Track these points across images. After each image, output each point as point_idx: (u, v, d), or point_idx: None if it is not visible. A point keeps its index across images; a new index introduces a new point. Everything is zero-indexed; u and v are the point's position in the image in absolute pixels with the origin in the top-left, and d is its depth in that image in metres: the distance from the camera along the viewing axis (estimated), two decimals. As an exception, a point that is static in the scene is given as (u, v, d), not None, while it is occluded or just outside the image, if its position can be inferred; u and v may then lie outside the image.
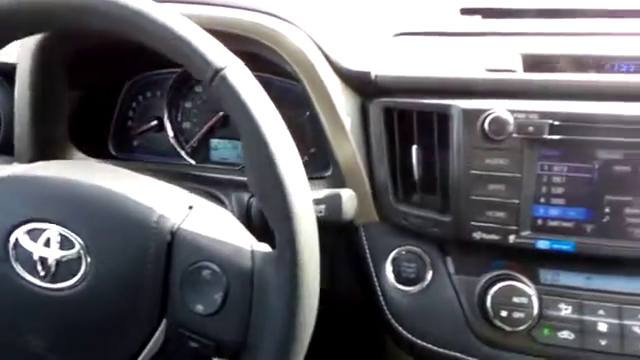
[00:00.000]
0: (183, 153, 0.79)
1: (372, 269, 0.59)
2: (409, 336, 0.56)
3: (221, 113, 0.76)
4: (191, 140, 0.79)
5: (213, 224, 0.45)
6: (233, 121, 0.41)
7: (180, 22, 0.42)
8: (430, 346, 0.55)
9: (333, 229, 0.63)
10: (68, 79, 0.68)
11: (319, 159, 0.70)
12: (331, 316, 1.10)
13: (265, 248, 0.43)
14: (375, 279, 0.58)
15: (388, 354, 0.72)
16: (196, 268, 0.42)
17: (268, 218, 0.41)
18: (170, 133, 0.79)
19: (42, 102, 0.67)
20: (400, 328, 0.56)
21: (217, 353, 0.43)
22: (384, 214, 0.60)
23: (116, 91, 0.81)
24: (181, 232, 0.43)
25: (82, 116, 0.76)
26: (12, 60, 0.68)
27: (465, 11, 0.69)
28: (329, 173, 0.63)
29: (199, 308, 0.41)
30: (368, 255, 0.60)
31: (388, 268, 0.58)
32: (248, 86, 0.40)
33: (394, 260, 0.58)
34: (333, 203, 0.49)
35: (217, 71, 0.39)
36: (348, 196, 0.49)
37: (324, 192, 0.50)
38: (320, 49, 0.57)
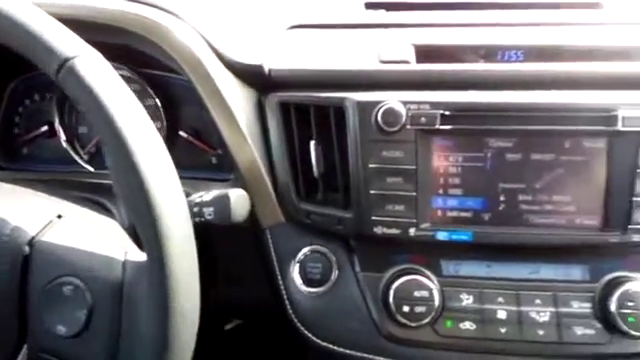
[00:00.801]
0: (79, 160, 0.73)
1: (277, 271, 0.56)
2: (315, 339, 0.53)
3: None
4: (88, 145, 0.73)
5: (82, 234, 0.41)
6: (87, 118, 0.37)
7: (24, 10, 0.37)
8: (336, 348, 0.53)
9: (241, 232, 0.60)
10: None
11: (227, 160, 0.67)
12: (252, 329, 1.08)
13: (141, 257, 0.39)
14: (280, 281, 0.56)
15: None
16: (56, 284, 0.37)
17: (135, 224, 0.37)
18: (63, 138, 0.72)
19: None
20: (306, 331, 0.54)
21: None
22: (289, 214, 0.57)
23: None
24: (40, 244, 0.38)
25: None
26: None
27: (369, 5, 0.68)
28: (233, 175, 0.60)
29: (60, 329, 0.37)
30: (274, 257, 0.57)
31: (294, 269, 0.56)
32: (100, 77, 0.36)
33: (300, 261, 0.56)
34: (221, 204, 0.46)
35: (64, 61, 0.35)
36: (237, 196, 0.46)
37: (212, 194, 0.47)
38: (208, 43, 0.54)
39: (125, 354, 0.37)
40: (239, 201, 0.46)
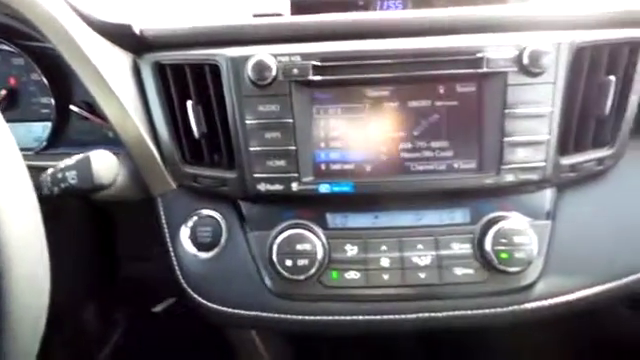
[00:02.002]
0: None
1: (168, 238, 0.55)
2: (204, 302, 0.53)
3: (3, 91, 0.67)
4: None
5: None
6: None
7: None
8: (225, 309, 0.52)
9: (139, 207, 0.58)
10: None
11: None
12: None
13: None
14: (171, 247, 0.55)
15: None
16: None
17: None
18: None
19: None
20: (195, 295, 0.53)
21: None
22: (177, 179, 0.56)
23: None
24: None
25: None
26: None
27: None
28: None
29: None
30: (164, 224, 0.56)
31: (184, 235, 0.55)
32: None
33: (190, 226, 0.55)
34: (83, 167, 0.44)
35: None
36: (98, 158, 0.45)
37: (75, 158, 0.45)
38: (70, 5, 0.51)
39: None
40: (101, 162, 0.45)
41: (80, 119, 0.68)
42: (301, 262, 0.50)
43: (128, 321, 1.24)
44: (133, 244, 0.66)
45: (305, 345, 0.71)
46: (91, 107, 0.68)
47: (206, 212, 0.55)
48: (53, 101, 0.67)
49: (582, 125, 0.53)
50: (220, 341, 0.95)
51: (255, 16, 0.52)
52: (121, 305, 1.01)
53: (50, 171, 0.46)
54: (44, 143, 0.69)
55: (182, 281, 0.53)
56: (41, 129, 0.71)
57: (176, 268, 0.54)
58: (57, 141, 0.68)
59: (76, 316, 0.90)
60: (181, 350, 1.14)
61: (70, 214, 0.59)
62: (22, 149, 0.69)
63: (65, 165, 0.45)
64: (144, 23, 0.52)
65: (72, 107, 0.66)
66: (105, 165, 0.45)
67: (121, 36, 0.52)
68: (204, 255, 0.54)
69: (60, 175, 0.45)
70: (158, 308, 1.03)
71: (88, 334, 1.28)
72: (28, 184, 0.36)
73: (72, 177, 0.44)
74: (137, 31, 0.52)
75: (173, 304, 1.04)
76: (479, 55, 0.49)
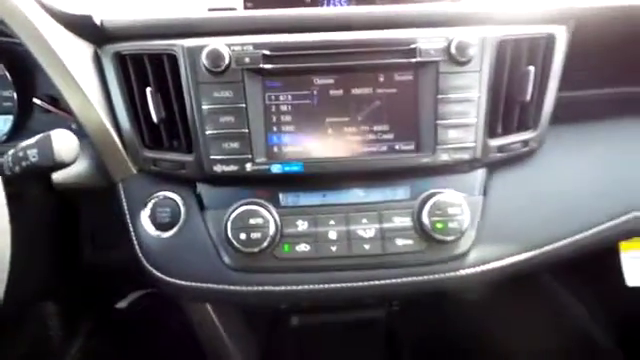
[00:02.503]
0: None
1: (129, 220, 0.58)
2: (166, 278, 0.56)
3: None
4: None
5: None
6: None
7: None
8: (184, 283, 0.55)
9: (101, 195, 0.61)
10: None
11: None
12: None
13: None
14: (132, 229, 0.57)
15: None
16: None
17: None
18: None
19: None
20: (155, 271, 0.56)
21: None
22: (138, 164, 0.59)
23: None
24: None
25: None
26: None
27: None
28: None
29: None
30: (125, 207, 0.58)
31: (144, 216, 0.58)
32: None
33: (150, 208, 0.58)
34: (44, 145, 0.47)
35: None
36: (58, 136, 0.47)
37: (36, 137, 0.48)
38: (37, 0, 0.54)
39: None
40: (61, 140, 0.47)
41: (43, 112, 0.70)
42: (254, 235, 0.53)
43: (92, 324, 1.24)
44: (96, 233, 0.67)
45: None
46: (54, 100, 0.71)
47: (165, 194, 0.58)
48: (15, 94, 0.69)
49: (507, 110, 0.59)
50: (187, 340, 0.97)
51: (210, 10, 0.56)
52: (85, 303, 1.01)
53: (11, 151, 0.48)
54: (4, 137, 0.71)
55: (142, 259, 0.56)
56: (2, 122, 0.72)
57: (136, 247, 0.57)
58: (19, 134, 0.70)
59: (37, 313, 0.89)
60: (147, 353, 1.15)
61: (33, 201, 0.61)
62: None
63: (26, 144, 0.47)
64: (105, 15, 0.56)
65: (35, 100, 0.68)
66: (66, 143, 0.48)
67: (82, 27, 0.55)
68: (163, 234, 0.57)
69: (21, 154, 0.47)
70: (122, 304, 1.04)
71: (50, 338, 1.27)
72: None
73: (33, 155, 0.47)
74: (98, 22, 0.55)
75: (137, 299, 1.06)
76: (413, 46, 0.54)
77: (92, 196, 0.64)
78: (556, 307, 1.27)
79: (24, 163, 0.47)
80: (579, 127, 0.66)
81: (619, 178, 0.63)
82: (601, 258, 0.73)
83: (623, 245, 0.69)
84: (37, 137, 0.47)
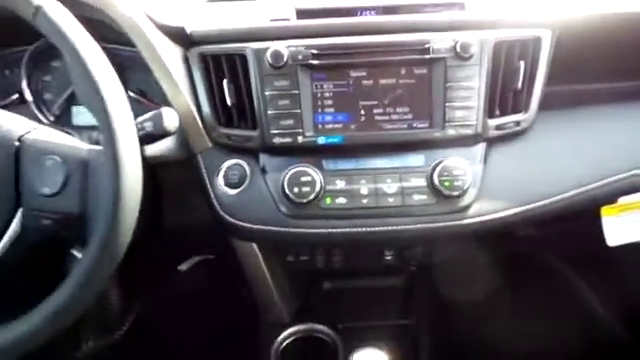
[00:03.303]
0: (46, 121, 0.89)
1: (207, 182, 0.75)
2: (237, 222, 0.73)
3: (77, 82, 0.88)
4: (52, 108, 0.90)
5: (55, 135, 0.59)
6: (57, 48, 0.55)
7: None
8: (251, 225, 0.73)
9: (181, 168, 0.78)
10: None
11: None
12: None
13: (98, 147, 0.57)
14: (210, 188, 0.75)
15: None
16: (41, 160, 0.55)
17: (98, 125, 0.56)
18: (32, 104, 0.89)
19: None
20: (229, 218, 0.73)
21: (65, 226, 0.56)
22: (213, 139, 0.76)
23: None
24: (26, 139, 0.56)
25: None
26: None
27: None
28: None
29: (45, 190, 0.55)
30: (204, 172, 0.76)
31: (219, 178, 0.75)
32: (64, 19, 0.54)
33: (223, 172, 0.75)
34: (157, 119, 0.64)
35: (37, 8, 0.54)
36: (167, 113, 0.65)
37: (150, 113, 0.65)
38: (147, 14, 0.73)
39: (92, 206, 0.55)
40: (169, 116, 0.65)
41: (136, 102, 0.89)
42: (304, 190, 0.70)
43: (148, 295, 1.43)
44: (176, 198, 0.85)
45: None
46: (143, 93, 0.90)
47: (235, 161, 0.76)
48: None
49: (503, 96, 0.75)
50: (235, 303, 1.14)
51: (271, 20, 0.73)
52: (149, 267, 1.19)
53: None
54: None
55: (219, 210, 0.73)
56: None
57: (214, 201, 0.74)
58: None
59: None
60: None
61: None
62: (93, 127, 0.90)
63: (143, 118, 0.65)
64: (192, 25, 0.74)
65: (130, 93, 0.87)
66: (171, 117, 0.65)
67: (177, 35, 0.74)
68: (234, 191, 0.74)
69: (139, 125, 0.65)
70: (184, 266, 1.23)
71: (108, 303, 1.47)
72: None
73: (149, 126, 0.64)
74: (188, 31, 0.73)
75: (196, 264, 1.24)
76: (427, 46, 0.70)
77: (173, 170, 0.82)
78: (571, 299, 1.38)
79: (141, 133, 0.65)
80: (566, 112, 0.81)
81: (598, 151, 0.77)
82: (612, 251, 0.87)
83: (604, 210, 0.82)
84: (151, 113, 0.65)
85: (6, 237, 0.56)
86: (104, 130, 0.54)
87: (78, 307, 0.58)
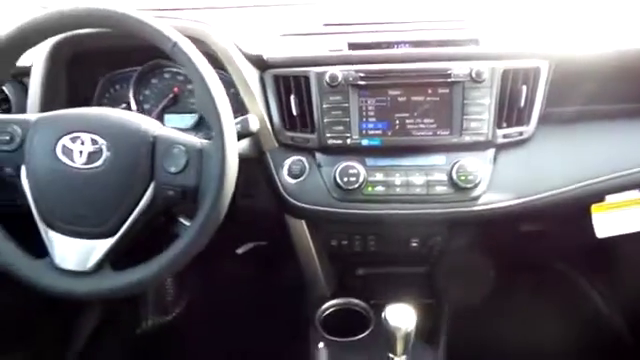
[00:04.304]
0: None
1: (275, 173, 0.97)
2: (298, 203, 0.94)
3: (171, 95, 1.13)
4: (151, 115, 1.14)
5: (177, 132, 0.82)
6: (188, 74, 0.77)
7: (150, 20, 0.78)
8: (309, 205, 0.94)
9: (254, 159, 1.00)
10: (65, 79, 1.02)
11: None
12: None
13: (210, 141, 0.80)
14: (277, 178, 0.97)
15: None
16: (170, 148, 0.78)
17: (209, 123, 0.78)
18: (136, 112, 1.13)
19: (49, 96, 1.00)
20: (292, 200, 0.95)
21: (183, 196, 0.78)
22: (280, 141, 0.98)
23: (91, 87, 1.15)
24: (160, 134, 0.79)
25: (70, 106, 1.09)
26: (26, 64, 1.01)
27: (326, 24, 1.12)
28: None
29: (172, 169, 0.77)
30: (272, 166, 0.98)
31: (284, 171, 0.97)
32: (193, 52, 0.77)
33: (287, 166, 0.97)
34: (244, 123, 0.86)
35: (174, 43, 0.77)
36: (252, 118, 0.87)
37: (240, 118, 0.88)
38: (236, 45, 0.97)
39: (204, 182, 0.77)
40: (253, 120, 0.87)
41: None
42: (351, 179, 0.92)
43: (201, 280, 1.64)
44: (244, 186, 1.05)
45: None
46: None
47: (296, 157, 0.97)
48: (199, 101, 1.12)
49: (509, 111, 0.94)
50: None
51: (330, 50, 0.96)
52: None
53: None
54: (191, 126, 1.13)
55: (284, 194, 0.95)
56: (190, 118, 1.15)
57: (280, 188, 0.96)
58: (199, 125, 1.13)
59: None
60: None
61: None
62: (180, 128, 1.14)
63: (234, 122, 0.87)
64: (268, 53, 0.97)
65: None
66: (254, 121, 0.87)
67: (256, 61, 0.97)
68: (296, 180, 0.96)
69: None
70: (241, 250, 1.44)
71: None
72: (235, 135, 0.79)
73: (238, 128, 0.86)
74: (265, 58, 0.96)
75: (251, 249, 1.45)
76: (449, 72, 0.91)
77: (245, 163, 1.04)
78: (575, 298, 1.52)
79: (234, 131, 0.87)
80: (562, 127, 1.00)
81: (586, 157, 0.96)
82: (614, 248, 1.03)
83: (594, 208, 1.00)
84: (240, 118, 0.87)
85: (141, 203, 0.79)
86: (216, 129, 0.77)
87: (183, 261, 0.80)
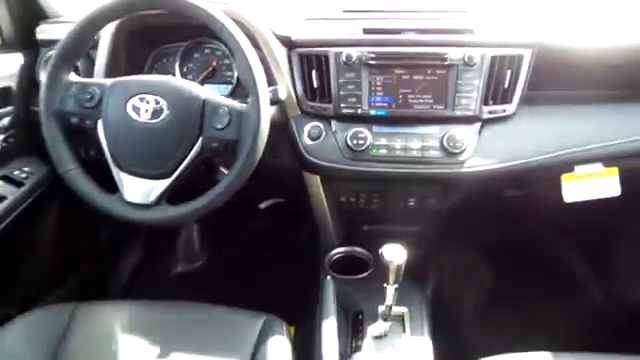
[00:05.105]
0: None
1: (297, 136, 1.17)
2: (315, 160, 1.14)
3: (210, 68, 1.32)
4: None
5: (220, 97, 1.02)
6: (232, 50, 0.97)
7: (203, 4, 0.98)
8: (324, 163, 1.14)
9: (280, 125, 1.19)
10: (124, 51, 1.23)
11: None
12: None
13: (247, 105, 0.99)
14: (298, 140, 1.16)
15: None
16: (216, 109, 0.98)
17: (248, 90, 0.97)
18: (180, 81, 1.33)
19: (112, 65, 1.20)
20: (311, 158, 1.15)
21: (225, 148, 0.99)
22: (302, 109, 1.18)
23: (144, 59, 1.35)
24: (207, 97, 0.99)
25: (127, 74, 1.30)
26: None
27: (346, 11, 1.30)
28: None
29: (218, 125, 0.97)
30: (295, 129, 1.17)
31: (305, 134, 1.17)
32: (238, 33, 0.97)
33: (307, 130, 1.17)
34: (275, 91, 1.06)
35: (223, 24, 0.96)
36: (281, 88, 1.06)
37: (271, 87, 1.07)
38: (269, 28, 1.15)
39: (242, 137, 0.97)
40: (282, 90, 1.06)
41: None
42: (360, 142, 1.11)
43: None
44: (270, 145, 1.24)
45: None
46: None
47: (315, 123, 1.17)
48: (235, 74, 1.31)
49: (495, 91, 1.12)
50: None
51: (346, 34, 1.14)
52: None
53: None
54: (226, 94, 1.33)
55: (304, 153, 1.15)
56: (225, 88, 1.35)
57: (301, 148, 1.15)
58: (232, 94, 1.32)
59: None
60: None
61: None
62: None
63: (268, 90, 1.07)
64: (295, 35, 1.16)
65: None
66: (283, 91, 1.07)
67: (285, 41, 1.16)
68: (314, 142, 1.16)
69: None
70: (263, 205, 1.66)
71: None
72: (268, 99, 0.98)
73: (270, 96, 1.05)
74: (293, 39, 1.15)
75: (274, 204, 1.67)
76: (445, 56, 1.09)
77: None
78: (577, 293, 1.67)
79: (264, 98, 1.07)
80: (541, 108, 1.17)
81: (560, 133, 1.14)
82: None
83: (564, 177, 1.18)
84: (271, 87, 1.06)
85: (192, 152, 0.99)
86: (253, 94, 0.96)
87: (222, 200, 1.00)
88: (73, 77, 1.04)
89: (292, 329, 1.12)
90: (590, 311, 1.65)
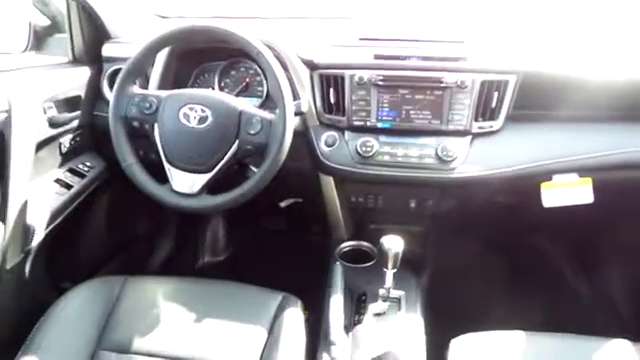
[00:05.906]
0: None
1: (315, 143, 1.39)
2: (330, 164, 1.36)
3: (244, 83, 1.55)
4: (229, 97, 1.58)
5: (255, 108, 1.24)
6: (264, 71, 1.19)
7: (242, 32, 1.21)
8: (337, 166, 1.35)
9: (300, 134, 1.41)
10: (174, 69, 1.47)
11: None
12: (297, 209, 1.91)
13: (275, 114, 1.21)
14: (316, 146, 1.38)
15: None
16: (250, 119, 1.20)
17: (276, 103, 1.20)
18: (218, 94, 1.57)
19: (164, 80, 1.45)
20: (326, 161, 1.36)
21: (256, 150, 1.21)
22: (320, 120, 1.40)
23: (189, 74, 1.59)
24: (243, 109, 1.21)
25: (174, 88, 1.54)
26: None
27: (361, 39, 1.53)
28: None
29: (251, 131, 1.20)
30: (313, 138, 1.39)
31: (322, 141, 1.38)
32: (270, 57, 1.19)
33: (324, 138, 1.38)
34: (298, 104, 1.28)
35: (258, 50, 1.19)
36: (304, 102, 1.29)
37: (296, 101, 1.29)
38: (297, 53, 1.38)
39: (271, 141, 1.18)
40: (304, 103, 1.29)
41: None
42: (368, 149, 1.32)
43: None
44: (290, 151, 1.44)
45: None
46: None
47: (330, 133, 1.39)
48: (265, 89, 1.54)
49: (484, 110, 1.32)
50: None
51: (360, 59, 1.36)
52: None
53: None
54: (257, 106, 1.56)
55: (321, 157, 1.36)
56: (256, 100, 1.58)
57: (318, 153, 1.37)
58: (262, 106, 1.55)
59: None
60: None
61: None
62: (249, 109, 1.57)
63: (294, 103, 1.29)
64: (318, 59, 1.38)
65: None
66: (305, 104, 1.29)
67: (309, 64, 1.38)
68: (329, 149, 1.37)
69: None
70: (283, 204, 1.87)
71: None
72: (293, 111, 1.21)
73: (294, 108, 1.27)
74: (315, 62, 1.38)
75: (293, 203, 1.88)
76: (442, 80, 1.30)
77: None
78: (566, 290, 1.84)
79: (290, 110, 1.29)
80: (525, 125, 1.36)
81: (540, 148, 1.33)
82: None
83: (543, 185, 1.36)
84: (295, 101, 1.29)
85: (229, 152, 1.21)
86: (280, 107, 1.19)
87: (252, 194, 1.22)
88: (136, 89, 1.28)
89: (306, 312, 1.32)
90: (570, 299, 1.83)
